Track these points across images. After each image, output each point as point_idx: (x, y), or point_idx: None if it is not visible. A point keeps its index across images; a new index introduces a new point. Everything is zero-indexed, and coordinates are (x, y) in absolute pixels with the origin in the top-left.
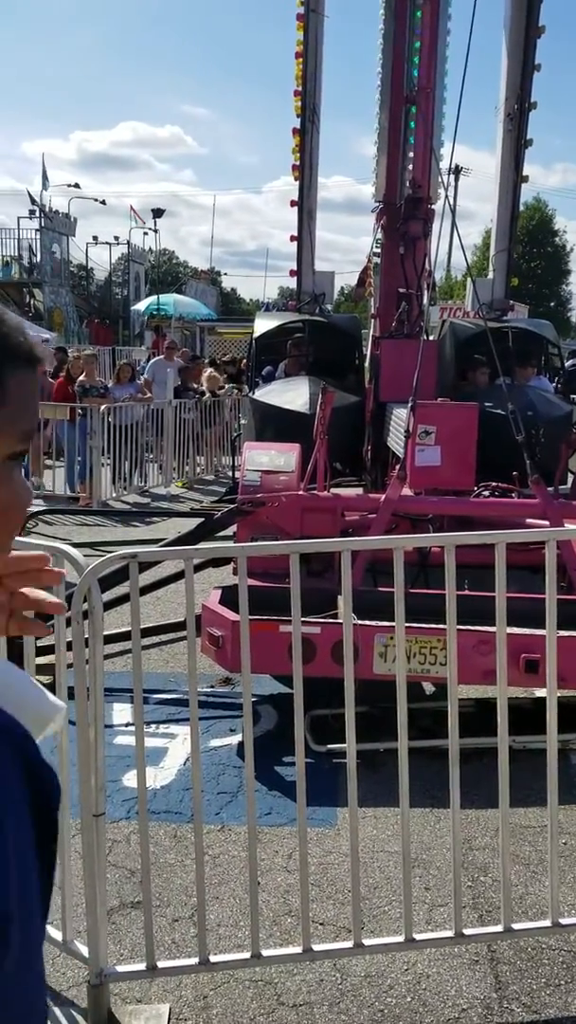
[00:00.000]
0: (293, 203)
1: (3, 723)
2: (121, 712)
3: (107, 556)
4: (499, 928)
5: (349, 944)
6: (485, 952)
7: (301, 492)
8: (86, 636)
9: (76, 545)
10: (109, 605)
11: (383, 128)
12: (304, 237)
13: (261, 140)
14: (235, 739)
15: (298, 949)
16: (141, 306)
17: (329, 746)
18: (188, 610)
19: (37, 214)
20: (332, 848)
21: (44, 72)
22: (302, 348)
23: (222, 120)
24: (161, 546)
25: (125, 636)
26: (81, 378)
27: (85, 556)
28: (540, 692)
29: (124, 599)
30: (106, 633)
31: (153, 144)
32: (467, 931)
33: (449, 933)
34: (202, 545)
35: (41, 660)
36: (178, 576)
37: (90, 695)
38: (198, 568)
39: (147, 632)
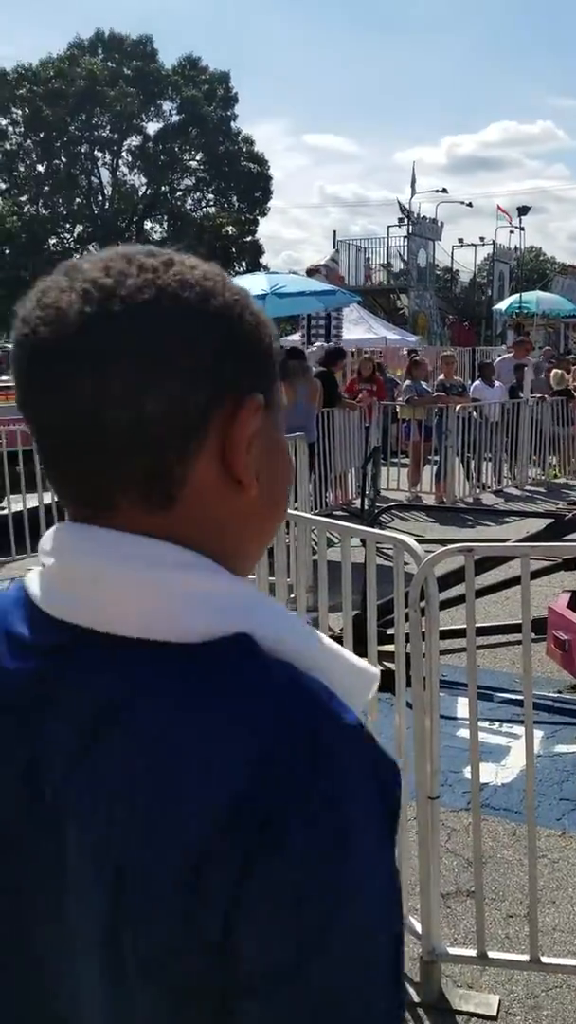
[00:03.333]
0: None
1: (356, 724)
2: (467, 706)
3: (443, 549)
4: None
5: None
6: None
7: None
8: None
9: (426, 541)
10: (454, 601)
11: None
12: None
13: None
14: None
15: None
16: (503, 305)
17: None
18: (523, 609)
19: (405, 221)
20: None
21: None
22: None
23: None
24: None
25: (462, 632)
26: (440, 377)
27: (430, 552)
28: None
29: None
30: (442, 628)
31: (524, 141)
32: None
33: None
34: (539, 544)
35: (383, 648)
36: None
37: (426, 685)
38: (550, 570)
39: (486, 631)
